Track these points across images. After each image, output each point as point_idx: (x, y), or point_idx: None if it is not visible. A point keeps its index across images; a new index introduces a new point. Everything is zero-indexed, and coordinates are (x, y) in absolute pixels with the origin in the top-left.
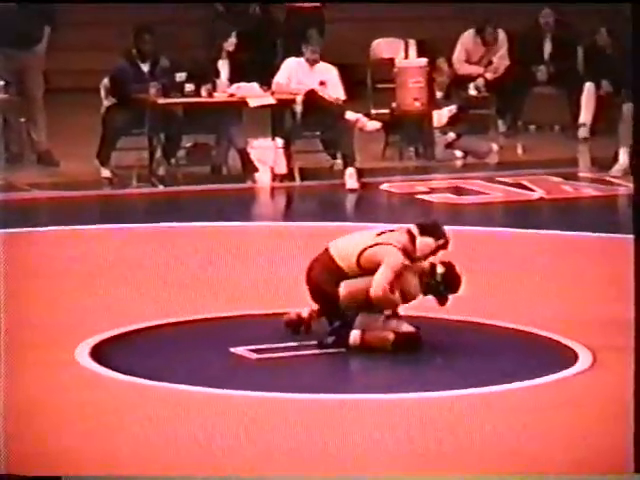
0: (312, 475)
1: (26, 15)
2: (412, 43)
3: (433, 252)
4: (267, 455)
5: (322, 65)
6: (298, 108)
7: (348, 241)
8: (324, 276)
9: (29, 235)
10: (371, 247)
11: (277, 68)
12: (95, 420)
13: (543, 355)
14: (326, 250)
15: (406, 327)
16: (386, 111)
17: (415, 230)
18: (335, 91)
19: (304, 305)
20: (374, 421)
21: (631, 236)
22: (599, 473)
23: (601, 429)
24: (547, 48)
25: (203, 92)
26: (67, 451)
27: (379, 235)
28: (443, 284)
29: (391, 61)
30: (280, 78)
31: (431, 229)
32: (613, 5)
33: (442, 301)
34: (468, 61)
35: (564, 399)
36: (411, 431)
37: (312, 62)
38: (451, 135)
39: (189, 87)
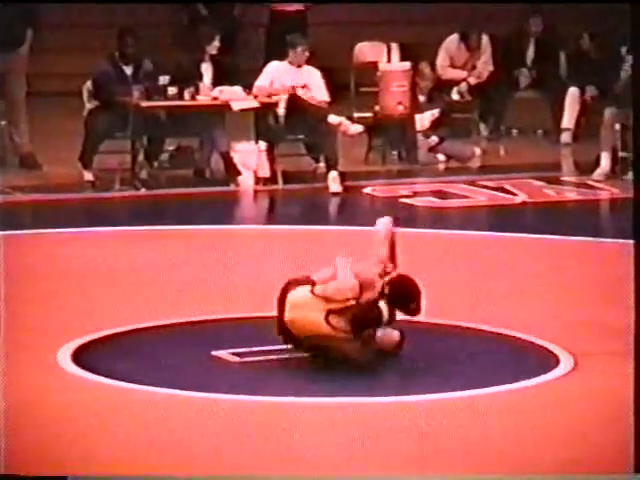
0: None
1: (8, 17)
2: (395, 47)
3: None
4: (250, 458)
5: (305, 68)
6: (281, 111)
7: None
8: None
9: (10, 238)
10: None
11: (260, 71)
12: (76, 423)
13: (525, 359)
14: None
15: (390, 331)
16: (369, 115)
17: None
18: (319, 94)
19: None
20: (358, 424)
21: (615, 240)
22: (599, 473)
23: (600, 429)
24: (530, 53)
25: (186, 95)
26: (49, 452)
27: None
28: (397, 301)
29: (374, 65)
30: (261, 81)
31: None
32: (597, 9)
33: (409, 313)
34: (452, 66)
35: (562, 400)
36: (396, 434)
37: (295, 65)
38: (434, 139)
39: (172, 90)
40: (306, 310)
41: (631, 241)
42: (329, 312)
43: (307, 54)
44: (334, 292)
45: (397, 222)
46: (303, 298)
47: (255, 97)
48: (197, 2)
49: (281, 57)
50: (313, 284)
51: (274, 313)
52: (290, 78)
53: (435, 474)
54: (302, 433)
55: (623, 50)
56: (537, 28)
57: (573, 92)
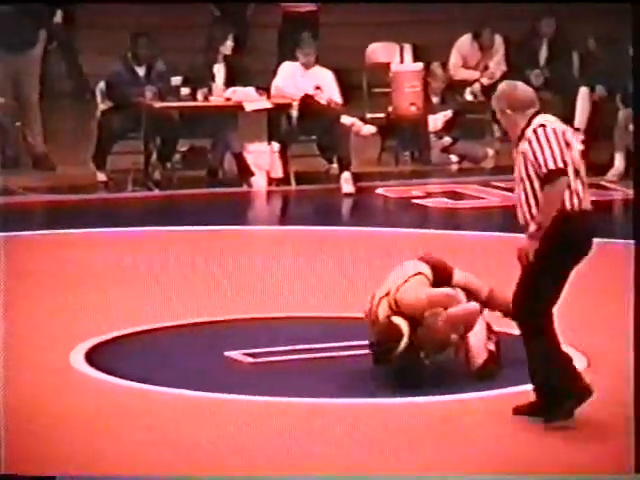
0: (309, 475)
1: (21, 18)
2: (408, 48)
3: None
4: (262, 458)
5: (318, 69)
6: (294, 112)
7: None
8: None
9: (25, 239)
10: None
11: (273, 72)
12: (89, 423)
13: None
14: None
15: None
16: (382, 115)
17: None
18: (331, 95)
19: (300, 308)
20: (369, 424)
21: (626, 241)
22: (599, 473)
23: (600, 429)
24: (543, 53)
25: (199, 96)
26: (62, 452)
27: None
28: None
29: (387, 66)
30: (278, 82)
31: None
32: (604, 11)
33: None
34: (464, 66)
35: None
36: (408, 435)
37: (307, 66)
38: (447, 139)
39: (185, 91)
40: None
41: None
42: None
43: (314, 56)
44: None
45: (409, 223)
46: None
47: (268, 98)
48: (211, 2)
49: (293, 58)
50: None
51: (287, 314)
52: (302, 79)
53: (435, 474)
54: (314, 433)
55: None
56: (549, 29)
57: (584, 92)
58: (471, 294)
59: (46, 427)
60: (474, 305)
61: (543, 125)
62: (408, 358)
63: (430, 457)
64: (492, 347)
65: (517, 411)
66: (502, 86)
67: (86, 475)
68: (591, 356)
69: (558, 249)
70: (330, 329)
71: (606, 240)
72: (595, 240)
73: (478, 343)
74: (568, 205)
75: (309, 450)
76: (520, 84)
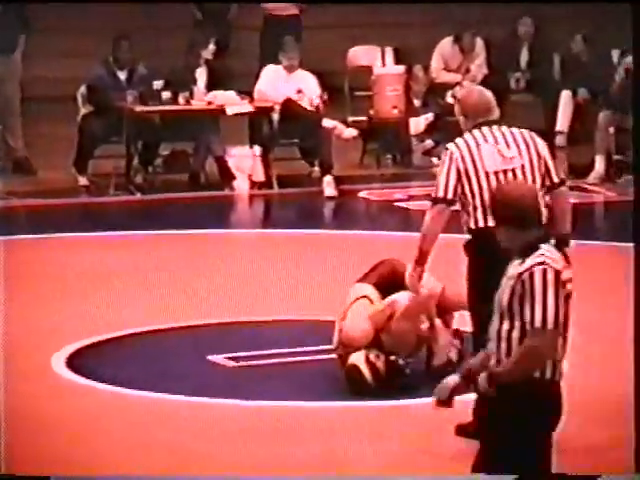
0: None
1: (1, 22)
2: (389, 51)
3: None
4: (245, 461)
5: (301, 73)
6: (275, 116)
7: None
8: None
9: (5, 243)
10: None
11: (256, 76)
12: (70, 427)
13: None
14: None
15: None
16: (364, 119)
17: None
18: (314, 100)
19: (282, 312)
20: (353, 427)
21: (608, 243)
22: (599, 473)
23: (600, 429)
24: (524, 56)
25: (181, 100)
26: (42, 454)
27: None
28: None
29: (368, 69)
30: (261, 85)
31: None
32: (588, 12)
33: None
34: (446, 69)
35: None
36: (393, 436)
37: (289, 69)
38: (429, 142)
39: (166, 95)
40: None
41: (625, 244)
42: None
43: (297, 59)
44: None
45: (392, 226)
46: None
47: (251, 101)
48: (193, 2)
49: (276, 61)
50: None
51: (269, 317)
52: (286, 83)
53: (435, 474)
54: (296, 436)
55: (615, 53)
56: (528, 29)
57: (566, 95)
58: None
59: (26, 431)
60: (425, 291)
61: (454, 144)
62: (388, 370)
63: (419, 458)
64: (453, 355)
65: (459, 431)
66: (462, 90)
67: (66, 475)
68: (591, 356)
69: (474, 265)
70: (313, 332)
71: (587, 242)
72: (577, 242)
73: (441, 348)
74: (472, 224)
75: (292, 453)
76: (479, 91)
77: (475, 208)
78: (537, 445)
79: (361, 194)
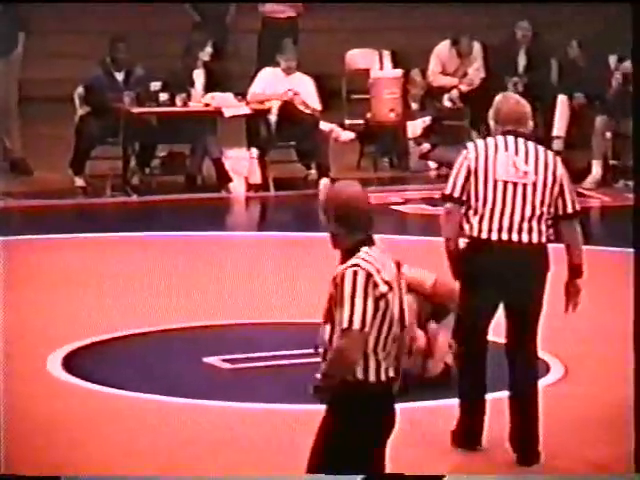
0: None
1: (0, 23)
2: (387, 54)
3: None
4: (241, 464)
5: (298, 75)
6: (273, 118)
7: None
8: None
9: (1, 244)
10: None
11: (252, 78)
12: (65, 429)
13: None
14: None
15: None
16: (361, 122)
17: None
18: (310, 102)
19: (278, 314)
20: None
21: (605, 248)
22: (599, 473)
23: (600, 429)
24: (522, 60)
25: (178, 101)
26: (38, 455)
27: None
28: None
29: (366, 72)
30: (255, 88)
31: None
32: (585, 17)
33: None
34: (443, 72)
35: (554, 405)
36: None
37: (287, 71)
38: (426, 146)
39: (164, 96)
40: None
41: (621, 249)
42: None
43: (295, 61)
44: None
45: (388, 229)
46: None
47: (247, 104)
48: (192, 2)
49: (273, 63)
50: None
51: (265, 320)
52: (282, 85)
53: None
54: (293, 439)
55: (612, 58)
56: (525, 33)
57: (562, 100)
58: (415, 286)
59: (23, 432)
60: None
61: (473, 143)
62: None
63: (418, 459)
64: (450, 360)
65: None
66: (498, 96)
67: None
68: (591, 356)
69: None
70: (308, 335)
71: (584, 247)
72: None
73: (440, 353)
74: (469, 232)
75: (288, 456)
76: (516, 101)
77: (476, 213)
78: (361, 445)
79: None
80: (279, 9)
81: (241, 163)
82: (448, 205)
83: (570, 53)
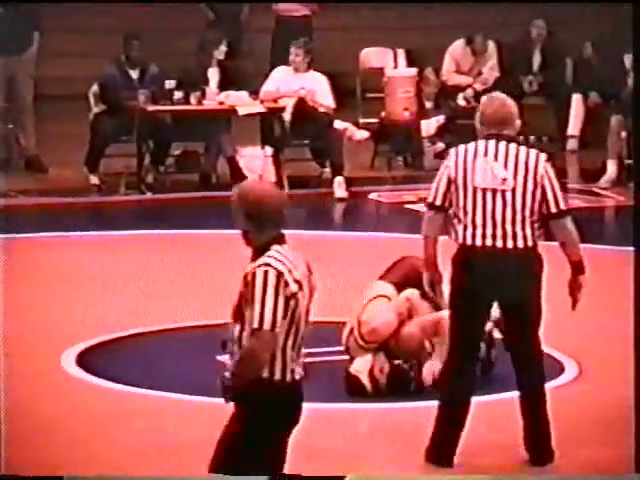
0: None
1: (15, 21)
2: (401, 53)
3: None
4: None
5: (311, 73)
6: (287, 117)
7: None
8: None
9: (16, 241)
10: None
11: (267, 76)
12: (81, 426)
13: None
14: None
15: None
16: (375, 120)
17: None
18: (324, 100)
19: None
20: (359, 429)
21: (618, 247)
22: (599, 473)
23: (600, 429)
24: (536, 59)
25: (192, 100)
26: (52, 454)
27: None
28: None
29: (380, 71)
30: (268, 86)
31: None
32: (600, 16)
33: None
34: (457, 71)
35: (565, 406)
36: (402, 438)
37: (299, 68)
38: (440, 145)
39: (178, 95)
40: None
41: (631, 248)
42: None
43: (307, 59)
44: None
45: (401, 228)
46: None
47: (261, 102)
48: (205, 1)
49: (287, 62)
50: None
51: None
52: (296, 83)
53: (436, 474)
54: (304, 437)
55: (627, 58)
56: (540, 31)
57: (577, 99)
58: (431, 328)
59: (36, 430)
60: (444, 313)
61: (454, 150)
62: (391, 378)
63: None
64: None
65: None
66: (484, 97)
67: (77, 475)
68: (591, 357)
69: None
70: (321, 333)
71: (598, 246)
72: (588, 246)
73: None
74: (455, 238)
75: (299, 454)
76: (500, 102)
77: (460, 222)
78: (264, 444)
79: (371, 196)
80: (293, 8)
81: (255, 161)
82: (429, 214)
83: (585, 52)
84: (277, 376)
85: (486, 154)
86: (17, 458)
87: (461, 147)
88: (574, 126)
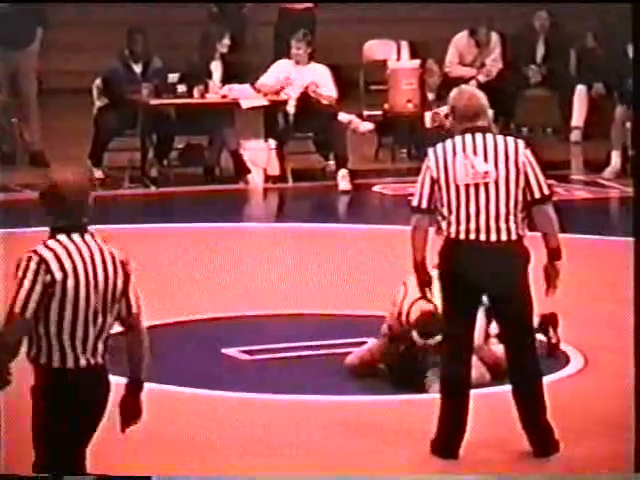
0: (305, 475)
1: (18, 15)
2: (404, 45)
3: None
4: (260, 456)
5: (313, 65)
6: (290, 109)
7: None
8: None
9: (21, 236)
10: None
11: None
12: None
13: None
14: None
15: None
16: (379, 112)
17: None
18: (327, 91)
19: (296, 306)
20: (367, 421)
21: (623, 238)
22: (599, 473)
23: (600, 429)
24: (540, 50)
25: (195, 93)
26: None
27: None
28: None
29: (384, 62)
30: (266, 79)
31: None
32: (598, 10)
33: None
34: (461, 63)
35: (559, 400)
36: (405, 431)
37: (300, 61)
38: None
39: (181, 88)
40: None
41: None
42: None
43: (308, 51)
44: None
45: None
46: None
47: (265, 95)
48: (206, 1)
49: (289, 55)
50: None
51: (283, 311)
52: (297, 76)
53: (436, 474)
54: (311, 430)
55: (631, 49)
56: (543, 22)
57: (581, 90)
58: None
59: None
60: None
61: (432, 151)
62: (408, 359)
63: (429, 455)
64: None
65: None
66: (452, 91)
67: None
68: (591, 355)
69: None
70: (327, 326)
71: (603, 237)
72: (593, 237)
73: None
74: (439, 234)
75: (307, 447)
76: (470, 94)
77: (444, 219)
78: (57, 434)
79: (375, 188)
80: (296, 1)
81: (259, 154)
82: (416, 217)
83: (587, 43)
84: (56, 364)
85: (464, 149)
86: (17, 458)
87: (439, 146)
88: (578, 117)
